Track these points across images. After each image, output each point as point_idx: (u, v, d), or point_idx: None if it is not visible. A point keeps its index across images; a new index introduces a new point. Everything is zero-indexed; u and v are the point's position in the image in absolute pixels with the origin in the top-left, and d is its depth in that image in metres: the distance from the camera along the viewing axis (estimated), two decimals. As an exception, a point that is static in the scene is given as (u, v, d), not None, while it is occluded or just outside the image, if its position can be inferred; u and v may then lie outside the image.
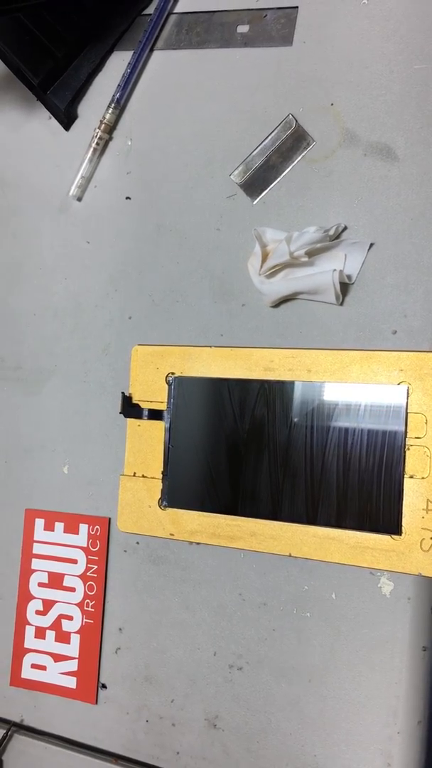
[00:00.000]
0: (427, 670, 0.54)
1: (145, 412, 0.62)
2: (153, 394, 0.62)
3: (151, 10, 0.65)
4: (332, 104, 0.58)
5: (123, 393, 0.63)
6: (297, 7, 0.60)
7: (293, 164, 0.59)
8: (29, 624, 0.68)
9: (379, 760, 0.54)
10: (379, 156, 0.57)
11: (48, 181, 0.70)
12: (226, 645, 0.60)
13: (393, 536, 0.53)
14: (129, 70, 0.65)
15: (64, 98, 0.68)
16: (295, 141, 0.59)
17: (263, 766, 0.58)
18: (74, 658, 0.65)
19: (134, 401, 0.62)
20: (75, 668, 0.65)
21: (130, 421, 0.63)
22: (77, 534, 0.66)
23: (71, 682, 0.65)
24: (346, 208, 0.58)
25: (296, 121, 0.59)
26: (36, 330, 0.70)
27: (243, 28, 0.62)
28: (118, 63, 0.67)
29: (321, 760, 0.56)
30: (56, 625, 0.66)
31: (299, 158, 0.59)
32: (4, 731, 0.67)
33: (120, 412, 0.62)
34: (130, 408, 0.62)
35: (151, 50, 0.66)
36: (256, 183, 0.60)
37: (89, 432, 0.67)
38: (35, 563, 0.68)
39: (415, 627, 0.54)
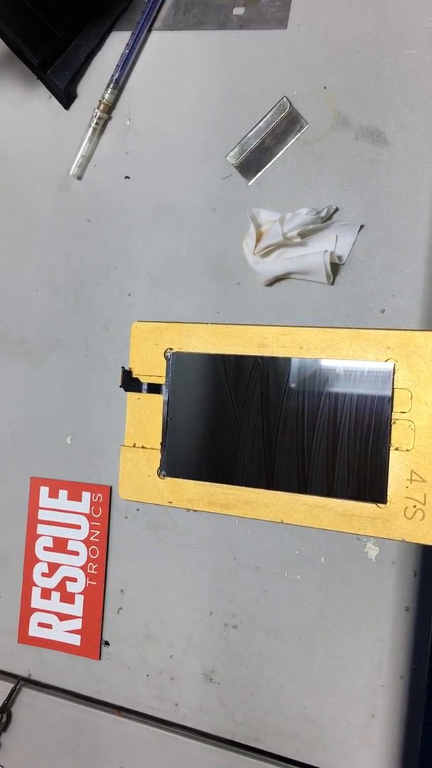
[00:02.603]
0: (409, 629, 0.57)
1: (145, 386, 0.64)
2: (152, 368, 0.64)
3: (148, -10, 0.66)
4: (325, 87, 0.60)
5: (123, 367, 0.65)
6: (292, -11, 0.61)
7: (287, 146, 0.61)
8: (35, 585, 0.71)
9: (364, 711, 0.58)
10: (370, 139, 0.58)
11: (49, 160, 0.71)
12: (221, 605, 0.63)
13: (379, 504, 0.55)
14: (127, 51, 0.66)
15: (64, 78, 0.69)
16: (289, 123, 0.61)
17: (256, 716, 0.62)
18: (78, 617, 0.69)
19: (134, 375, 0.65)
20: (79, 626, 0.69)
21: (130, 394, 0.65)
22: (80, 501, 0.69)
23: (76, 640, 0.69)
24: (338, 190, 0.59)
25: (290, 103, 0.60)
26: (39, 305, 0.72)
27: (239, 11, 0.63)
28: (116, 43, 0.68)
29: (310, 711, 0.60)
30: (61, 587, 0.70)
31: (293, 140, 0.61)
32: (13, 685, 0.71)
33: (120, 386, 0.65)
34: (130, 382, 0.65)
35: (149, 31, 0.67)
36: (251, 164, 0.62)
37: (91, 404, 0.69)
38: (40, 528, 0.71)
39: (399, 589, 0.57)
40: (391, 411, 0.56)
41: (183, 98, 0.66)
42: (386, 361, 0.56)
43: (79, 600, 0.69)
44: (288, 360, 0.59)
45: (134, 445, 0.65)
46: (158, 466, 0.63)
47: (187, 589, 0.65)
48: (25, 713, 0.71)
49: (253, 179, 0.62)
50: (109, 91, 0.67)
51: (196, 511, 0.64)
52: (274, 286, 0.61)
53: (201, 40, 0.65)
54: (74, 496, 0.69)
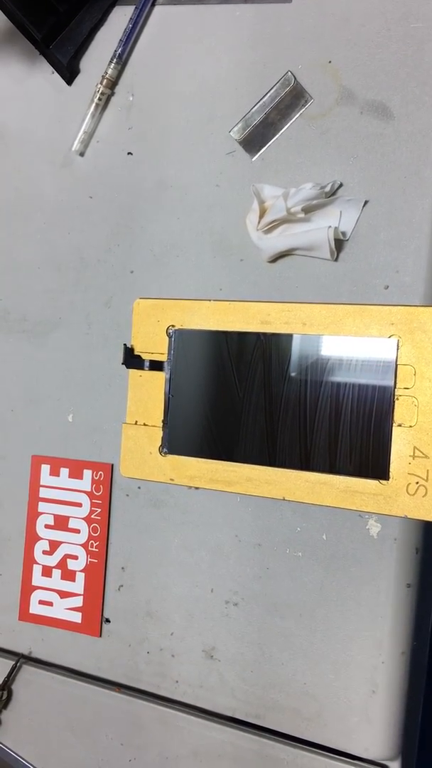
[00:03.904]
0: (410, 606, 0.57)
1: (147, 363, 0.64)
2: (154, 345, 0.64)
3: (152, -36, 0.66)
4: (330, 62, 0.59)
5: (125, 345, 0.64)
6: (297, -38, 0.61)
7: (291, 121, 0.61)
8: (36, 563, 0.71)
9: (365, 687, 0.58)
10: (375, 114, 0.58)
11: (51, 136, 0.71)
12: (222, 582, 0.63)
13: (381, 481, 0.55)
14: (131, 25, 0.66)
15: (67, 53, 0.68)
16: (293, 98, 0.60)
17: (256, 693, 0.62)
18: (79, 595, 0.69)
19: (136, 353, 0.64)
20: (80, 604, 0.69)
21: (132, 371, 0.65)
22: (81, 479, 0.69)
23: (77, 617, 0.69)
24: (342, 166, 0.59)
25: (295, 78, 0.60)
26: (40, 283, 0.72)
27: (243, -16, 0.63)
28: (119, 17, 0.68)
29: (310, 687, 0.60)
30: (62, 564, 0.70)
31: (297, 115, 0.60)
32: (14, 663, 0.71)
33: (122, 363, 0.64)
34: (132, 359, 0.64)
35: (153, 5, 0.66)
36: (255, 140, 0.62)
37: (93, 382, 0.69)
38: (42, 506, 0.71)
39: (400, 565, 0.57)
40: (395, 387, 0.55)
41: (186, 73, 0.65)
42: (390, 337, 0.56)
43: (80, 577, 0.69)
44: (291, 337, 0.59)
45: (136, 423, 0.65)
46: (160, 443, 0.63)
47: (188, 566, 0.65)
48: (25, 690, 0.71)
49: (257, 155, 0.62)
50: (112, 67, 0.67)
51: (197, 488, 0.64)
52: (277, 262, 0.61)
53: (205, 14, 0.64)
54: (75, 474, 0.69)
